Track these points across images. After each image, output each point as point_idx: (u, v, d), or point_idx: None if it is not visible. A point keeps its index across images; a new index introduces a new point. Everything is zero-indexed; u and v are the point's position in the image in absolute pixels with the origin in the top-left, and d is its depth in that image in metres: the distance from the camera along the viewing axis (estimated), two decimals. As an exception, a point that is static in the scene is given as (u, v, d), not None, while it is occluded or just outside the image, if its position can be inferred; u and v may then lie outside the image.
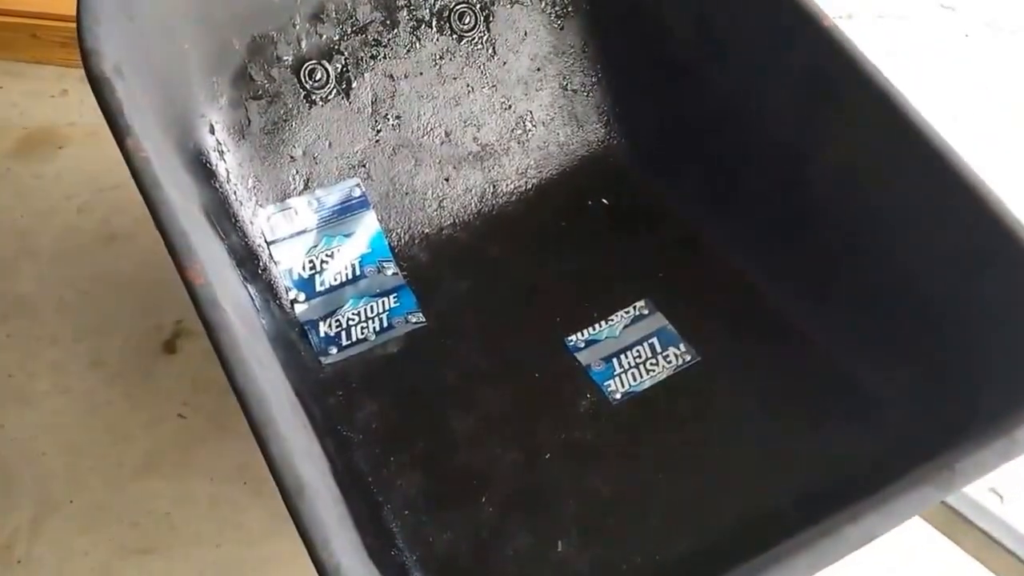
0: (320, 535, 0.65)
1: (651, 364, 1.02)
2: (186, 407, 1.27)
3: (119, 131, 0.80)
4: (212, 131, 1.01)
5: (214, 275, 0.77)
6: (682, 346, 1.03)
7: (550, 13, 1.16)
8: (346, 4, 1.07)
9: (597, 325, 1.05)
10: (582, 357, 1.03)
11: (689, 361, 1.02)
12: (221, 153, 1.02)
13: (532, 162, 1.17)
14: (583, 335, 1.05)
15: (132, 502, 1.19)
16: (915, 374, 0.94)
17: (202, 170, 0.99)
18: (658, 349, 1.03)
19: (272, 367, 0.84)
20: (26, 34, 1.62)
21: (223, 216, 0.98)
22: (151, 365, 1.31)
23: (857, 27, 1.74)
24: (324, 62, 1.07)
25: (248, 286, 0.97)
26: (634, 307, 1.07)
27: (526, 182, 1.16)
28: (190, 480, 1.21)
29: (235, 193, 1.02)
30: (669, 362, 1.02)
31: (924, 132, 0.90)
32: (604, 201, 1.16)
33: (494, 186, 1.15)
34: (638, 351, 1.03)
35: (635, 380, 1.01)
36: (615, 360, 1.02)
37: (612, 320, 1.06)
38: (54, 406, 1.27)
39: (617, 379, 1.01)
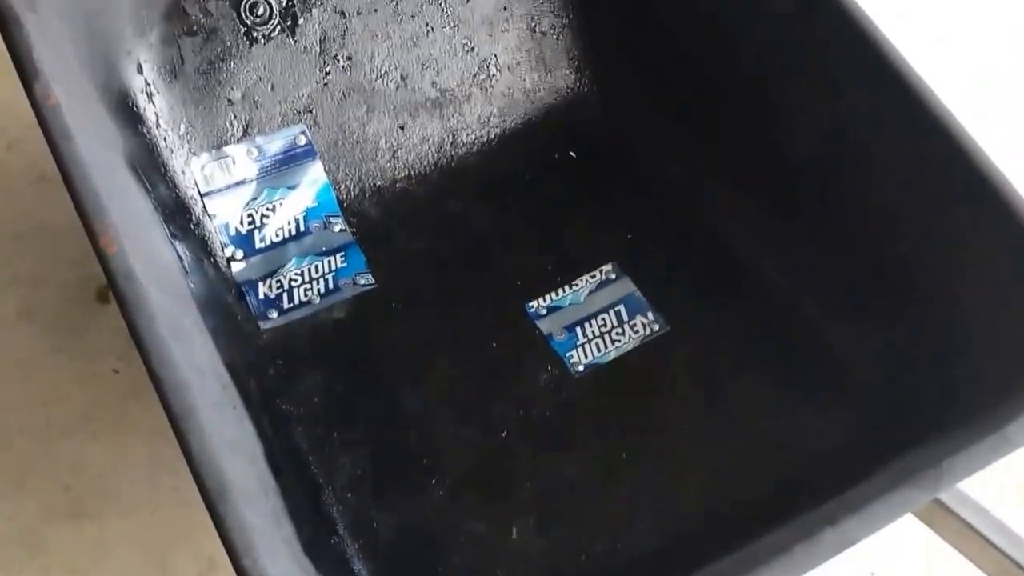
0: (243, 541, 0.59)
1: (617, 334, 0.95)
2: (120, 361, 1.18)
3: (26, 74, 0.71)
4: (140, 70, 0.92)
5: (130, 238, 0.69)
6: (650, 314, 0.96)
7: (519, -53, 1.07)
8: (294, -70, 0.98)
9: (560, 290, 0.98)
10: (543, 325, 0.96)
11: (657, 331, 0.96)
12: (150, 95, 0.92)
13: (495, 110, 1.08)
14: (545, 301, 0.97)
15: (63, 463, 1.11)
16: (890, 346, 0.88)
17: (128, 114, 0.89)
18: (625, 317, 0.96)
19: (199, 340, 0.77)
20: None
21: (151, 166, 0.90)
22: (83, 316, 1.22)
23: None
24: (267, -6, 0.98)
25: (176, 244, 0.88)
26: (600, 271, 0.99)
27: (488, 132, 1.07)
28: (125, 440, 1.12)
29: (165, 140, 0.93)
30: (636, 331, 0.95)
31: (904, 73, 0.82)
32: (571, 154, 1.08)
33: (453, 135, 1.06)
34: (603, 319, 0.96)
35: (599, 351, 0.94)
36: (578, 329, 0.96)
37: (577, 285, 0.98)
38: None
39: (580, 350, 0.94)
